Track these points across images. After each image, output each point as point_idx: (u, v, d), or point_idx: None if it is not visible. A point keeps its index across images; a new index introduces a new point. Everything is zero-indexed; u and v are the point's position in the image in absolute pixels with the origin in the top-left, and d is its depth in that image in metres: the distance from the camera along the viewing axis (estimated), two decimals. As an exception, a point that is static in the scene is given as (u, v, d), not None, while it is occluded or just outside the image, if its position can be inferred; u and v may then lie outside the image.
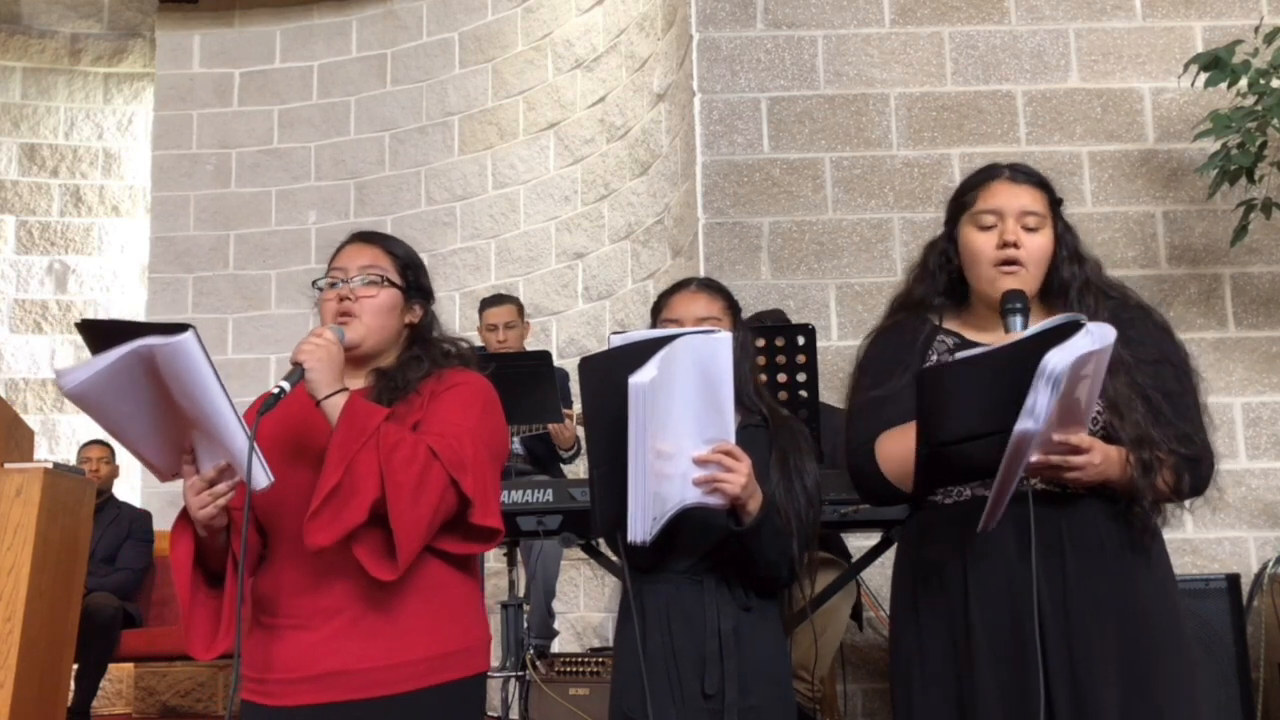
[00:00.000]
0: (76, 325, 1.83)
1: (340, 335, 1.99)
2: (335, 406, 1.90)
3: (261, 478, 1.81)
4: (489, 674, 3.87)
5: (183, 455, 1.85)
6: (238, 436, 1.79)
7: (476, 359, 2.19)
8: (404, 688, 1.93)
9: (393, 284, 2.09)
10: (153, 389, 1.74)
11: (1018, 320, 1.94)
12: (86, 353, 7.97)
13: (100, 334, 1.88)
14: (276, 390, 1.88)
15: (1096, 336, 1.72)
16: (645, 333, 2.13)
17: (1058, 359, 1.66)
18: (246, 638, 1.95)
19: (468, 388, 2.07)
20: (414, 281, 2.14)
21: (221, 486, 1.86)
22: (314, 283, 2.15)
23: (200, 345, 1.71)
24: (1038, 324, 1.82)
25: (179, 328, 1.71)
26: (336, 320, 2.05)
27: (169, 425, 1.81)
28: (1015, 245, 2.00)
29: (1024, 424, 1.68)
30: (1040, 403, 1.67)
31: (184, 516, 1.92)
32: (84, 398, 1.73)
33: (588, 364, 2.11)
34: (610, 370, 1.99)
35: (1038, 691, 1.82)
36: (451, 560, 2.01)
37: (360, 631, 1.93)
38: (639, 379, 1.89)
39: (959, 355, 1.93)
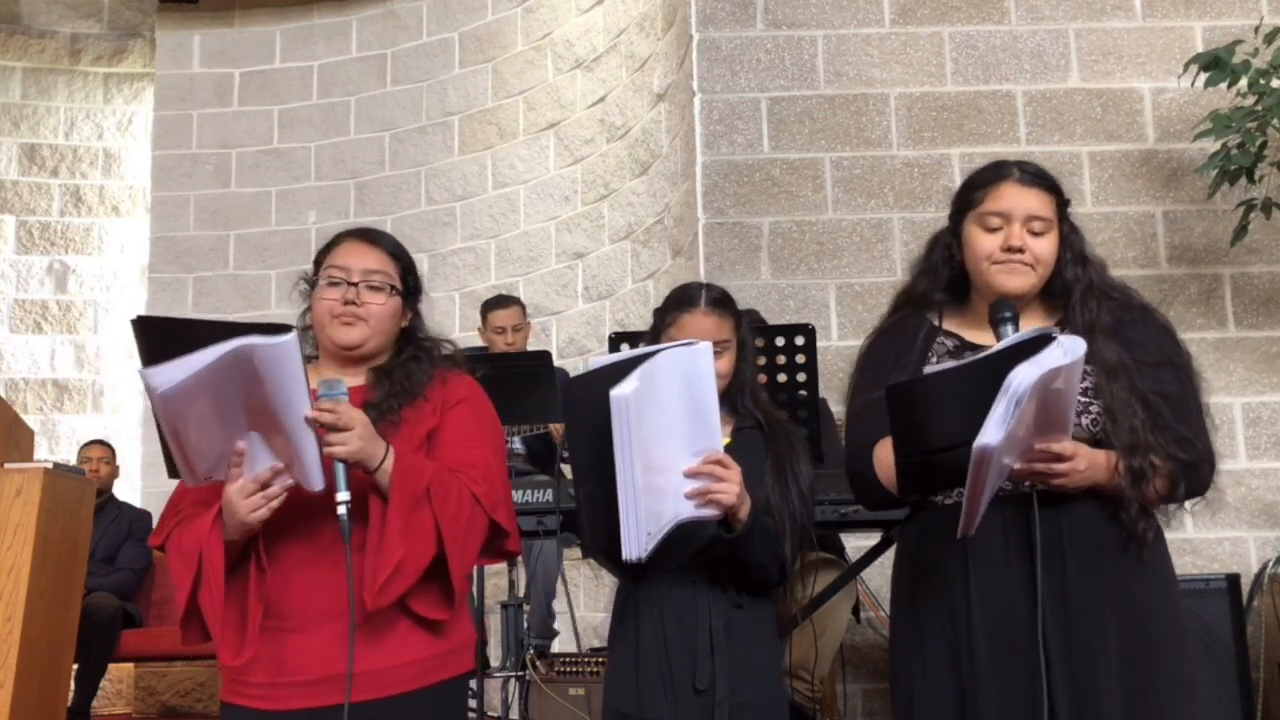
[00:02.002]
0: (132, 322, 1.78)
1: (345, 393, 1.93)
2: (386, 474, 1.91)
3: (317, 480, 1.83)
4: (490, 674, 3.87)
5: (232, 458, 1.84)
6: (312, 439, 1.80)
7: (464, 359, 2.22)
8: (401, 689, 1.95)
9: (396, 291, 2.10)
10: (232, 389, 1.73)
11: (1009, 329, 1.94)
12: (84, 352, 7.91)
13: (159, 333, 1.83)
14: (343, 511, 1.85)
15: (1067, 349, 1.73)
16: (627, 353, 2.15)
17: (1023, 376, 1.68)
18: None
19: (475, 403, 2.11)
20: (413, 286, 2.16)
21: (275, 489, 1.85)
22: (308, 279, 2.14)
23: (300, 354, 1.73)
24: (1010, 337, 1.83)
25: (274, 328, 1.70)
26: (341, 322, 2.05)
27: (226, 426, 1.80)
28: (1020, 250, 2.00)
29: (982, 439, 1.69)
30: (999, 418, 1.68)
31: (216, 522, 1.89)
32: (173, 399, 1.70)
33: (572, 386, 2.12)
34: (592, 389, 2.01)
35: (1039, 691, 1.82)
36: None
37: (360, 635, 1.93)
38: (620, 391, 1.90)
39: (927, 369, 1.93)
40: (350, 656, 1.84)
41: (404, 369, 2.08)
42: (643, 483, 1.95)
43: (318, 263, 2.14)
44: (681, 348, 2.06)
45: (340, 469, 1.86)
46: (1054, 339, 1.75)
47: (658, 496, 2.00)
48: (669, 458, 2.02)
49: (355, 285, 2.05)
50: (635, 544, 1.96)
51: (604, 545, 2.07)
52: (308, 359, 2.15)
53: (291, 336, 1.70)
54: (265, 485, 1.84)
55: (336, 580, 1.92)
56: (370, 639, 1.93)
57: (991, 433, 1.68)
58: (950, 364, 1.86)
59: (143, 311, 7.12)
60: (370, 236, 2.15)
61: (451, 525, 1.92)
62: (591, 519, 2.12)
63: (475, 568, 4.14)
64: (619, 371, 1.96)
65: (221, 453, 1.83)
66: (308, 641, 1.93)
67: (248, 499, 1.84)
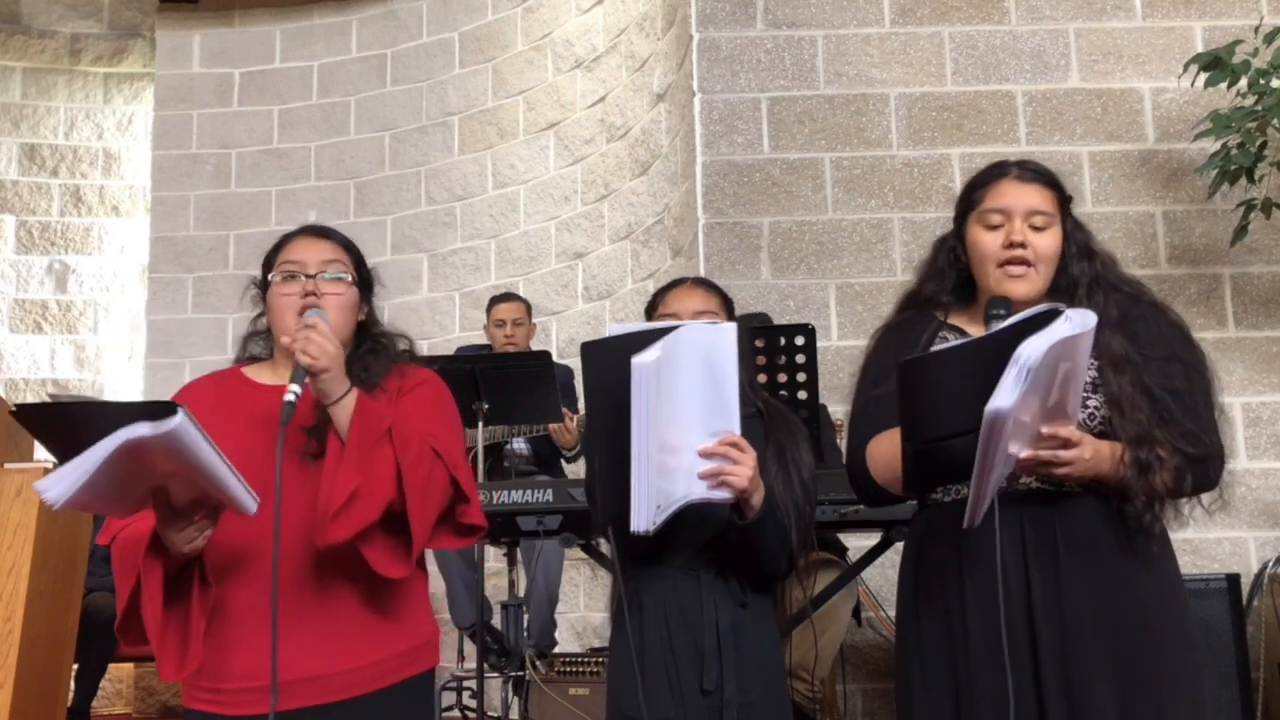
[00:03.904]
0: (12, 413, 1.71)
1: (327, 318, 1.96)
2: (346, 410, 1.90)
3: (250, 505, 1.78)
4: (487, 674, 3.86)
5: (154, 495, 1.79)
6: (231, 474, 1.74)
7: (423, 356, 2.24)
8: (370, 688, 1.94)
9: (354, 281, 2.10)
10: (131, 462, 1.65)
11: (997, 327, 1.93)
12: (84, 352, 7.87)
13: (43, 421, 1.75)
14: (291, 398, 1.85)
15: (1076, 322, 1.70)
16: (648, 324, 2.12)
17: (1033, 347, 1.65)
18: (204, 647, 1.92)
19: (432, 386, 2.11)
20: (366, 278, 2.16)
21: (205, 522, 1.82)
22: (258, 283, 2.12)
23: (192, 424, 1.63)
24: (1018, 314, 1.79)
25: (158, 408, 1.60)
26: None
27: (139, 479, 1.73)
28: (1022, 245, 2.00)
29: (994, 404, 1.64)
30: (1011, 383, 1.64)
31: (152, 548, 1.86)
32: (72, 503, 1.64)
33: (591, 347, 2.09)
34: (613, 354, 1.96)
35: (1030, 694, 1.81)
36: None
37: (329, 635, 1.93)
38: (642, 359, 1.86)
39: (935, 348, 1.91)
40: (273, 643, 1.81)
41: (361, 362, 2.08)
42: (657, 456, 1.91)
43: (268, 265, 2.12)
44: (707, 325, 2.03)
45: (300, 375, 1.87)
46: (1062, 313, 1.72)
47: (670, 475, 1.96)
48: (684, 436, 1.99)
49: (313, 277, 2.04)
50: (645, 516, 1.91)
51: (614, 517, 2.03)
52: (254, 359, 2.15)
53: (179, 420, 1.60)
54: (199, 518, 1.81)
55: (298, 584, 1.91)
56: (327, 640, 1.93)
57: (1004, 396, 1.64)
58: (959, 340, 1.83)
59: (143, 312, 7.13)
60: (321, 231, 2.15)
61: (413, 471, 1.88)
62: (604, 489, 2.08)
63: (471, 571, 4.14)
64: (640, 340, 1.93)
65: (140, 500, 1.79)
66: (268, 646, 1.90)
67: (181, 533, 1.81)
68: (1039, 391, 1.70)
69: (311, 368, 1.88)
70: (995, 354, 1.70)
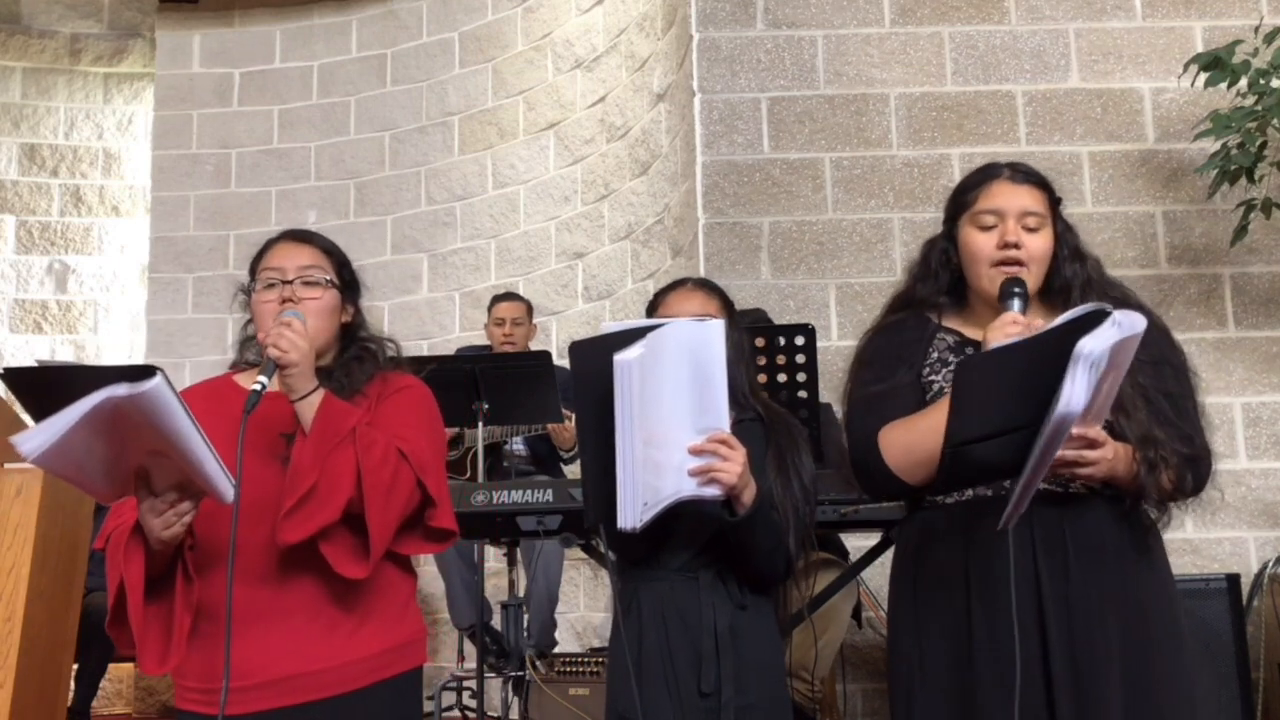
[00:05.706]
0: (1, 378, 1.68)
1: (303, 319, 1.98)
2: (311, 406, 1.91)
3: (228, 490, 1.77)
4: (487, 674, 3.86)
5: (135, 479, 1.79)
6: (211, 457, 1.74)
7: (408, 361, 2.23)
8: (355, 685, 1.95)
9: (333, 284, 2.10)
10: (112, 429, 1.66)
11: (1015, 303, 1.93)
12: (84, 352, 7.87)
13: (31, 383, 1.73)
14: (258, 387, 1.87)
15: (1125, 325, 1.68)
16: (637, 321, 2.12)
17: (1094, 343, 1.62)
18: (187, 647, 1.92)
19: (414, 391, 2.11)
20: (350, 280, 2.16)
21: (185, 505, 1.82)
22: (245, 289, 2.13)
23: (169, 387, 1.63)
24: (1062, 315, 1.76)
25: (139, 371, 1.61)
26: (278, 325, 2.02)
27: (121, 455, 1.73)
28: (1016, 246, 2.00)
29: (1066, 407, 1.62)
30: (1079, 386, 1.62)
31: (134, 537, 1.87)
32: (46, 461, 1.63)
33: (578, 346, 2.09)
34: (600, 352, 1.96)
35: (1040, 694, 1.81)
36: (394, 558, 2.03)
37: (313, 633, 1.94)
38: (624, 356, 1.87)
39: (992, 347, 1.89)
40: (227, 644, 1.81)
41: (345, 368, 2.09)
42: (643, 453, 1.91)
43: (253, 271, 2.14)
44: (693, 322, 2.03)
45: (269, 369, 1.90)
46: (1109, 314, 1.69)
47: (659, 472, 1.96)
48: (673, 433, 1.98)
49: (290, 283, 2.06)
50: (631, 513, 1.91)
51: (603, 516, 2.02)
52: (248, 365, 2.16)
53: (156, 381, 1.60)
54: (176, 502, 1.81)
55: (283, 580, 1.93)
56: (319, 635, 1.93)
57: (1078, 398, 1.61)
58: (1011, 340, 1.81)
59: (143, 312, 7.13)
60: (301, 236, 2.17)
61: (374, 474, 1.88)
62: (593, 487, 2.08)
63: (471, 571, 4.14)
64: (627, 338, 1.93)
65: (124, 478, 1.79)
66: (257, 644, 1.92)
67: (160, 517, 1.81)
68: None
69: (280, 360, 1.91)
70: (1045, 351, 1.67)
